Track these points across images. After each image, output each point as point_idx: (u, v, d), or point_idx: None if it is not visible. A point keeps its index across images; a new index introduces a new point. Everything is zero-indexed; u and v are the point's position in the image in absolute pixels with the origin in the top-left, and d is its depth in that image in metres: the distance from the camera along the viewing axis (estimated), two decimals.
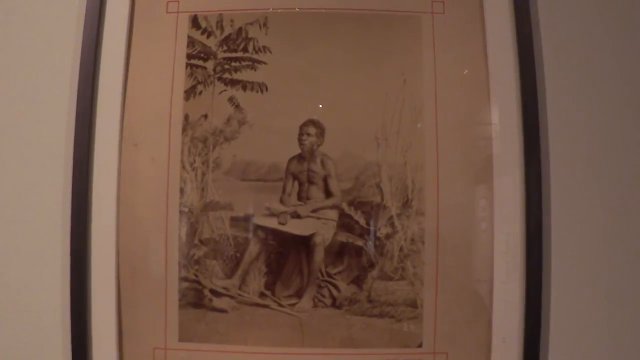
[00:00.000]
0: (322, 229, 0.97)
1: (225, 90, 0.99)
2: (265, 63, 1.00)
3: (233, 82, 0.99)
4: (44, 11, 1.02)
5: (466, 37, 1.00)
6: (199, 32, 1.01)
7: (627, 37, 1.01)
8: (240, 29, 1.01)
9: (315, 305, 0.96)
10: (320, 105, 0.99)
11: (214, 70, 1.00)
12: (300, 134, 0.98)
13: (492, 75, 0.99)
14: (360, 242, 0.97)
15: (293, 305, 0.97)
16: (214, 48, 1.00)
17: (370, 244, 0.97)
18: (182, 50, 1.00)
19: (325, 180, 0.98)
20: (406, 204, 0.97)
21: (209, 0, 1.02)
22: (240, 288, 0.97)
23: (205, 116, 0.99)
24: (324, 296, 0.96)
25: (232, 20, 1.01)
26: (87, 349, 0.96)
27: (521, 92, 0.98)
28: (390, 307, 0.96)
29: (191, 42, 1.01)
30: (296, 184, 0.98)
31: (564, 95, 0.99)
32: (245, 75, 0.99)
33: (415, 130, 0.98)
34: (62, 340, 0.97)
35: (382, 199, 0.97)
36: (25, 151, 1.01)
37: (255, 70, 0.99)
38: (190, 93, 0.99)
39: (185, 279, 0.97)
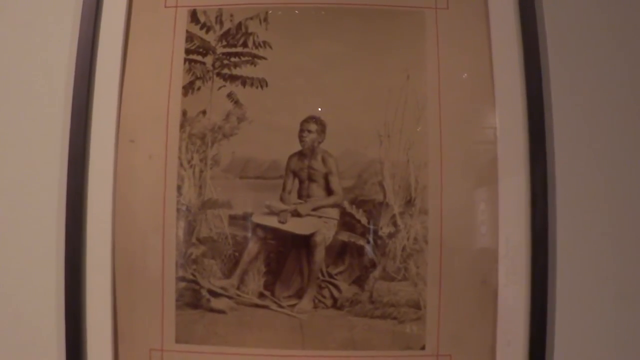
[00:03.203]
0: (323, 228, 0.96)
1: (224, 85, 0.98)
2: (265, 58, 0.98)
3: (232, 78, 0.98)
4: (40, 5, 1.01)
5: (470, 33, 0.99)
6: (198, 26, 1.00)
7: (635, 36, 1.00)
8: (239, 23, 1.00)
9: (315, 306, 0.95)
10: (321, 103, 0.97)
11: (213, 65, 0.99)
12: (301, 131, 0.97)
13: (497, 71, 0.97)
14: (362, 242, 0.95)
15: (293, 306, 0.95)
16: (213, 43, 0.99)
17: (372, 243, 0.95)
18: (181, 45, 0.99)
19: (326, 178, 0.97)
20: (409, 202, 0.95)
21: None
22: (239, 288, 0.95)
23: (204, 112, 0.98)
24: (324, 297, 0.95)
25: (231, 15, 1.00)
26: (81, 351, 0.94)
27: (526, 90, 0.96)
28: (393, 308, 0.95)
29: (190, 37, 0.99)
30: (296, 181, 0.97)
31: (570, 94, 0.98)
32: (244, 70, 0.98)
33: (419, 125, 0.97)
34: (57, 342, 0.96)
35: (385, 197, 0.95)
36: (20, 148, 0.99)
37: (255, 65, 0.98)
38: (188, 89, 0.98)
39: (182, 279, 0.96)
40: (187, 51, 0.99)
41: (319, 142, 0.97)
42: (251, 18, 0.99)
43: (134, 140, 0.97)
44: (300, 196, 0.97)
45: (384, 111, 0.97)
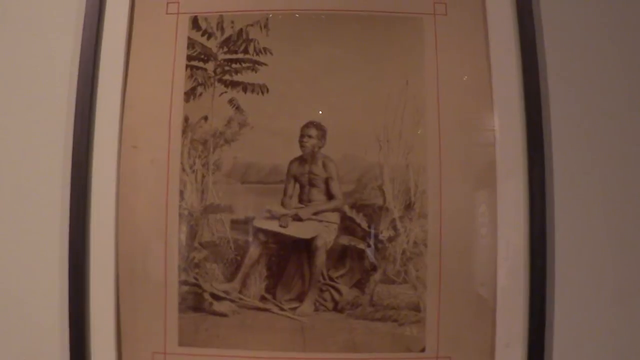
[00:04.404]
0: (324, 232, 0.96)
1: (225, 91, 0.99)
2: (266, 64, 0.99)
3: (233, 84, 0.99)
4: (43, 12, 1.02)
5: (468, 39, 1.00)
6: (199, 33, 1.00)
7: (632, 40, 1.00)
8: (240, 30, 1.00)
9: (316, 309, 0.95)
10: (321, 108, 0.98)
11: (215, 71, 0.99)
12: (302, 136, 0.97)
13: (495, 77, 0.98)
14: (362, 245, 0.96)
15: (294, 309, 0.96)
16: (214, 49, 1.00)
17: (373, 247, 0.96)
18: (182, 51, 1.00)
19: (326, 182, 0.97)
20: (409, 206, 0.96)
21: (209, 1, 1.01)
22: (240, 292, 0.96)
23: (206, 118, 0.98)
24: (325, 300, 0.96)
25: (232, 22, 1.00)
26: (85, 354, 0.95)
27: (524, 95, 0.97)
28: (393, 311, 0.95)
29: (191, 43, 1.00)
30: (297, 186, 0.97)
31: (568, 98, 0.99)
32: (245, 76, 0.99)
33: (419, 129, 0.97)
34: (61, 345, 0.96)
35: (385, 201, 0.96)
36: (24, 154, 1.00)
37: (256, 71, 0.99)
38: (190, 95, 0.99)
39: (185, 283, 0.96)
40: (189, 57, 0.99)
41: (320, 147, 0.97)
42: (252, 25, 1.00)
43: (136, 145, 0.98)
44: (301, 201, 0.97)
45: (383, 116, 0.97)
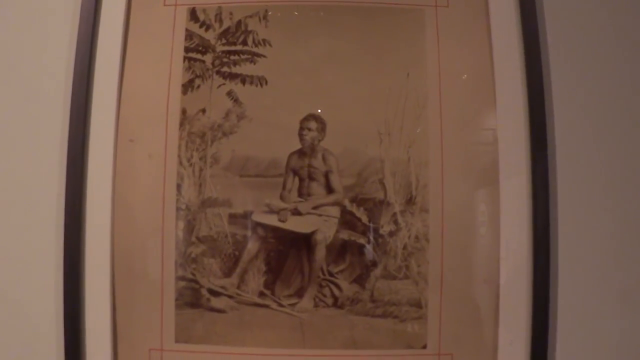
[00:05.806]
0: (324, 227, 0.95)
1: (223, 84, 0.98)
2: (265, 56, 0.98)
3: (232, 76, 0.98)
4: (39, 3, 1.01)
5: (471, 31, 0.99)
6: (197, 25, 0.99)
7: (637, 37, 1.00)
8: (239, 21, 0.99)
9: (316, 305, 0.94)
10: (321, 101, 0.97)
11: (213, 63, 0.98)
12: (301, 129, 0.96)
13: (497, 69, 0.97)
14: (362, 240, 0.95)
15: (293, 305, 0.95)
16: (212, 41, 0.99)
17: (373, 241, 0.95)
18: (180, 43, 0.99)
19: (326, 176, 0.96)
20: (410, 200, 0.95)
21: None
22: (239, 287, 0.95)
23: (203, 110, 0.97)
24: (325, 296, 0.95)
25: (231, 13, 0.99)
26: (81, 351, 0.94)
27: (527, 87, 0.96)
28: (394, 307, 0.94)
29: (189, 35, 0.99)
30: (297, 180, 0.96)
31: (571, 93, 0.98)
32: (244, 68, 0.98)
33: (419, 126, 0.96)
34: (56, 342, 0.95)
35: (386, 195, 0.95)
36: (18, 147, 0.99)
37: (254, 63, 0.98)
38: (187, 87, 0.98)
39: (182, 278, 0.95)
40: (187, 49, 0.99)
41: (319, 140, 0.96)
42: (251, 16, 0.99)
43: (133, 139, 0.97)
44: (300, 194, 0.96)
45: (384, 109, 0.96)
